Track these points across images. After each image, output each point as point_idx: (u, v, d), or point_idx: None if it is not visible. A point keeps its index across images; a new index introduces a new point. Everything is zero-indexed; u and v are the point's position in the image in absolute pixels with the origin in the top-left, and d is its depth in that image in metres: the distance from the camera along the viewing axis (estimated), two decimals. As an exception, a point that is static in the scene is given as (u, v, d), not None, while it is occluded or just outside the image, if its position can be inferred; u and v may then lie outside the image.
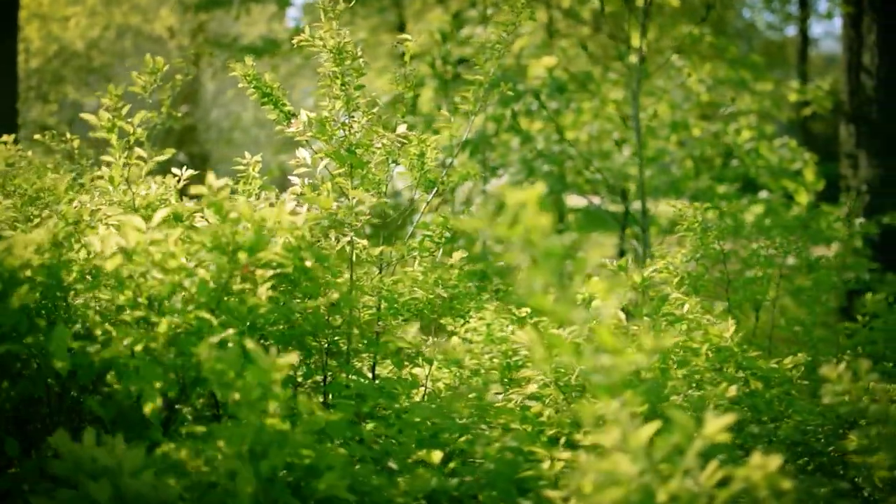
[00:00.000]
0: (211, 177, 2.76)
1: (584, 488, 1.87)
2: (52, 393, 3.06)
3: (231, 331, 2.64)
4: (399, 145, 3.82)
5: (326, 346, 3.57)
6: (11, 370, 2.97)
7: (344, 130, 3.67)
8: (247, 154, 4.02)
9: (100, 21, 19.68)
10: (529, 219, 1.73)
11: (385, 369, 4.02)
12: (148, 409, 2.61)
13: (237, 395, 2.30)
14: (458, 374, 4.01)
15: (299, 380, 3.61)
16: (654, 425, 1.81)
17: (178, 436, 2.92)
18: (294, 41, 3.76)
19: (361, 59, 3.73)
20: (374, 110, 3.77)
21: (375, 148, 3.74)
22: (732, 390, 2.92)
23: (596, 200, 10.11)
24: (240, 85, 3.90)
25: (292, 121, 3.80)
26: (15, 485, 2.79)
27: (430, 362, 3.90)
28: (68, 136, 4.40)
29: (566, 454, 2.64)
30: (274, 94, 3.90)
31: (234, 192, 3.74)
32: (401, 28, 14.08)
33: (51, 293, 3.00)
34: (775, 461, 1.84)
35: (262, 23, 21.93)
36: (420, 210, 4.21)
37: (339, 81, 3.69)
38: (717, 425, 1.84)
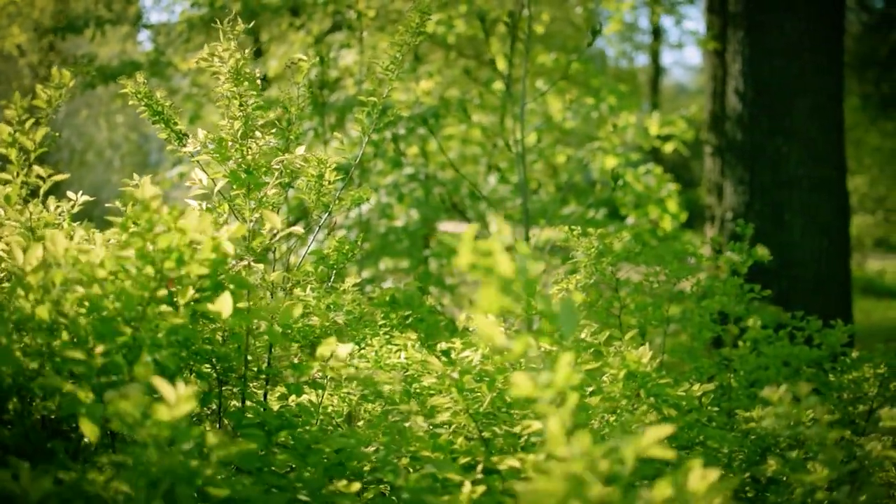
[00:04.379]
0: (147, 183, 2.59)
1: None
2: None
3: (164, 352, 2.50)
4: (298, 166, 3.72)
5: (223, 371, 3.46)
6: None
7: (242, 151, 3.57)
8: (142, 175, 3.86)
9: (-54, 38, 19.06)
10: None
11: (273, 396, 3.92)
12: (90, 432, 2.44)
13: (145, 435, 2.17)
14: (347, 400, 3.93)
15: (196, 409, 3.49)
16: (587, 436, 1.73)
17: (85, 466, 2.78)
18: (195, 60, 3.66)
19: (258, 79, 3.65)
20: (273, 131, 3.69)
21: (275, 168, 3.64)
22: (653, 416, 2.89)
23: (464, 227, 10.06)
24: (130, 102, 3.78)
25: (189, 140, 3.69)
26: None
27: (323, 388, 3.81)
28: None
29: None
30: (165, 113, 3.79)
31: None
32: (257, 54, 13.90)
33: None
34: (715, 473, 1.79)
35: (114, 42, 21.45)
36: (312, 233, 4.12)
37: (237, 102, 3.60)
38: (654, 435, 1.77)
